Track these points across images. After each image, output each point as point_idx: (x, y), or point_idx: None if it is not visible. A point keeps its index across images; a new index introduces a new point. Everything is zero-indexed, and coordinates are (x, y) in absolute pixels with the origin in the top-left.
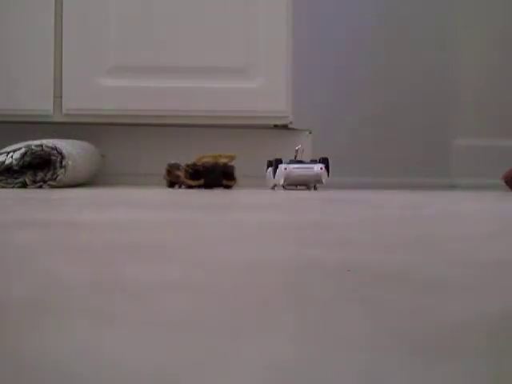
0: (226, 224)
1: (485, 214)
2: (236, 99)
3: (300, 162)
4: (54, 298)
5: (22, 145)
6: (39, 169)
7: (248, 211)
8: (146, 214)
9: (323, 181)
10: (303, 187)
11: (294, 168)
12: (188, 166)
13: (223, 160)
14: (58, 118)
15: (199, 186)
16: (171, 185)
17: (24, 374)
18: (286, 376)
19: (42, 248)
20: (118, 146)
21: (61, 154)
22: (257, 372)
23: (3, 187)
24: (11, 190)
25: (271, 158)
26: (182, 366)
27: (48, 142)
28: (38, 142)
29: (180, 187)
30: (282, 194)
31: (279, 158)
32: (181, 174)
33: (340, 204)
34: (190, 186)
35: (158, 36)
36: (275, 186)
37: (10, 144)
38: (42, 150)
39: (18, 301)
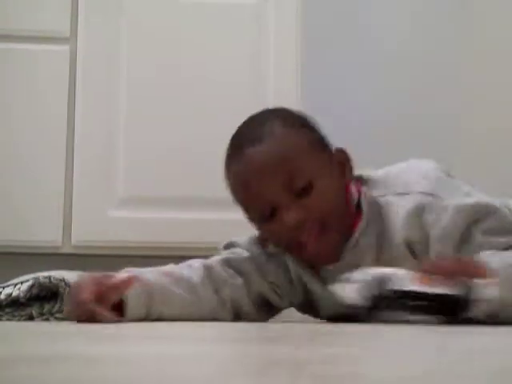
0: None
1: None
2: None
3: None
4: None
5: (30, 277)
6: (46, 300)
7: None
8: (146, 348)
9: None
10: None
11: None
12: None
13: None
14: (66, 250)
15: None
16: None
17: None
18: None
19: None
20: None
21: (69, 286)
22: None
23: (9, 320)
24: (17, 322)
25: None
26: None
27: (56, 274)
28: (46, 274)
29: None
30: None
31: None
32: None
33: None
34: None
35: (166, 168)
36: None
37: (18, 275)
38: (50, 281)
39: None
